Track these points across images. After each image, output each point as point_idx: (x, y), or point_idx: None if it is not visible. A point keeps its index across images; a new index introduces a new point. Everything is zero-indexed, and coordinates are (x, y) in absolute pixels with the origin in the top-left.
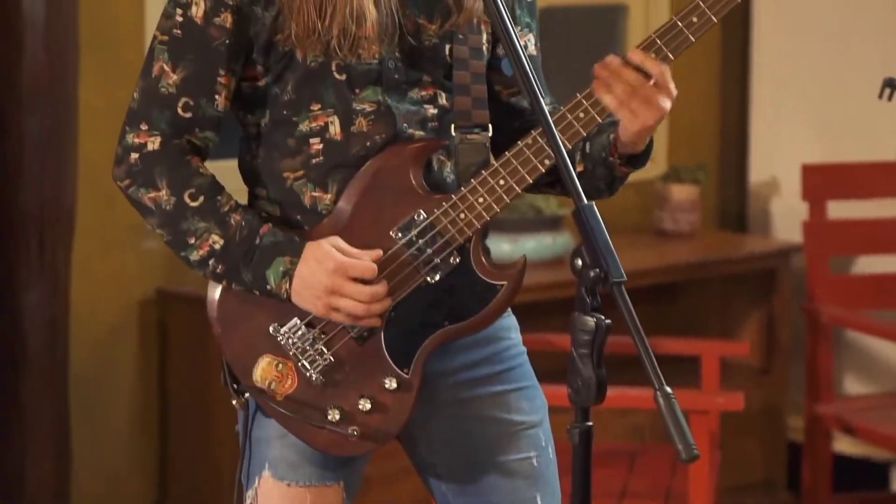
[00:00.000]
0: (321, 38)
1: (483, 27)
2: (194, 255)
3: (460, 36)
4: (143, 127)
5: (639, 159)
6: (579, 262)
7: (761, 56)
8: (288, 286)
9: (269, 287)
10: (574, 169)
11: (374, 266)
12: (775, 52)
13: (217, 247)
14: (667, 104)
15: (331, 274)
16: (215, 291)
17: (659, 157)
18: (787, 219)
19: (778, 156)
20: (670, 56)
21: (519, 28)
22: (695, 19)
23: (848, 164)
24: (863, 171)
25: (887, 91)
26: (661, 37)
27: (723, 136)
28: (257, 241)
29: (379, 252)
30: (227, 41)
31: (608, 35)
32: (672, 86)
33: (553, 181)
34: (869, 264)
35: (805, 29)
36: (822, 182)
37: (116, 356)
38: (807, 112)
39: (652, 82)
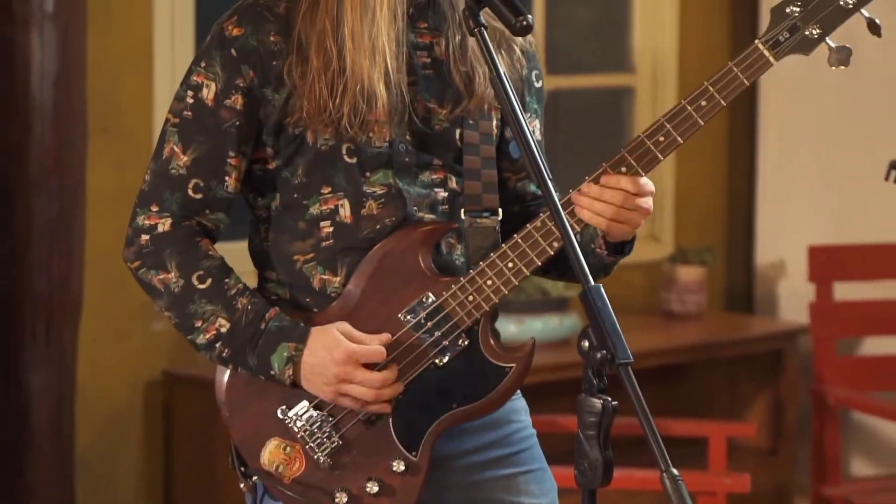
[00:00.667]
0: (332, 117)
1: (493, 113)
2: (201, 339)
3: (471, 121)
4: (154, 208)
5: (625, 247)
6: (586, 343)
7: (768, 137)
8: (291, 373)
9: (272, 373)
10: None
11: (383, 350)
12: (782, 134)
13: (223, 330)
14: (650, 203)
15: (340, 362)
16: (224, 375)
17: (666, 238)
18: (794, 300)
19: (785, 237)
20: (679, 139)
21: (528, 114)
22: (703, 103)
23: (854, 245)
24: (869, 252)
25: (893, 173)
26: (670, 120)
27: (730, 218)
28: (263, 326)
29: (387, 335)
30: (238, 123)
31: (616, 117)
32: (650, 185)
33: (551, 267)
34: (876, 346)
35: (812, 111)
36: (828, 263)
37: (123, 438)
38: (814, 194)
39: (631, 198)
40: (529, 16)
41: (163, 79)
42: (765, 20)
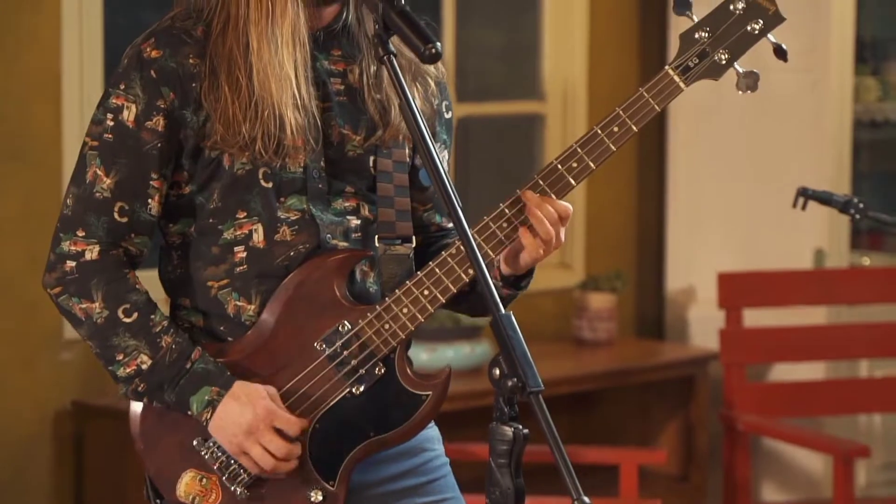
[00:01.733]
0: (245, 141)
1: (406, 142)
2: (121, 371)
3: (384, 150)
4: (80, 234)
5: (520, 281)
6: (497, 371)
7: (677, 165)
8: (209, 416)
9: (189, 412)
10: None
11: (302, 424)
12: (691, 161)
13: (144, 367)
14: (563, 234)
15: (259, 416)
16: (137, 406)
17: (577, 265)
18: (704, 326)
19: (694, 264)
20: (591, 166)
21: (437, 144)
22: (616, 129)
23: (763, 272)
24: (778, 279)
25: (801, 200)
26: (583, 146)
27: (640, 245)
28: (187, 366)
29: (307, 421)
30: (160, 144)
31: (526, 144)
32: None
33: (463, 302)
34: (785, 372)
35: (720, 138)
36: (737, 290)
37: (31, 468)
38: (723, 220)
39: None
40: (438, 43)
41: (71, 106)
42: (673, 48)
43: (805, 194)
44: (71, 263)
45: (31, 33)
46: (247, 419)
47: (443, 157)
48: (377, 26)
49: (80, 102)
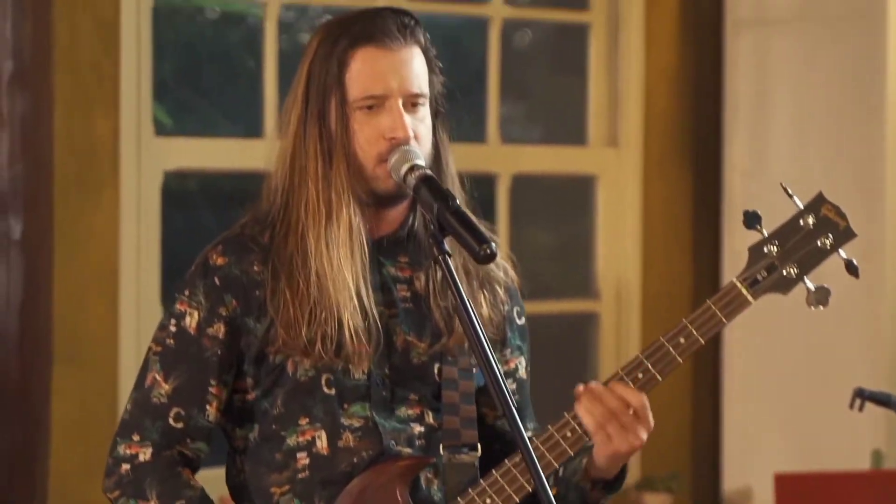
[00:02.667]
0: (305, 342)
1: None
2: None
3: (450, 357)
4: (135, 437)
5: (612, 486)
6: None
7: (733, 365)
8: None
9: None
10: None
11: None
12: (747, 361)
13: None
14: (643, 435)
15: None
16: None
17: (632, 465)
18: None
19: (750, 465)
20: (658, 377)
21: (509, 350)
22: (682, 340)
23: (821, 473)
24: (835, 480)
25: (858, 401)
26: (649, 357)
27: (695, 445)
28: None
29: None
30: (220, 352)
31: (580, 343)
32: (650, 417)
33: None
34: None
35: (776, 337)
36: (795, 491)
37: None
38: (779, 421)
39: (631, 412)
40: (493, 243)
41: (128, 307)
42: (726, 248)
43: (862, 395)
44: (126, 466)
45: (90, 233)
46: None
47: (517, 364)
48: (432, 227)
49: (137, 303)
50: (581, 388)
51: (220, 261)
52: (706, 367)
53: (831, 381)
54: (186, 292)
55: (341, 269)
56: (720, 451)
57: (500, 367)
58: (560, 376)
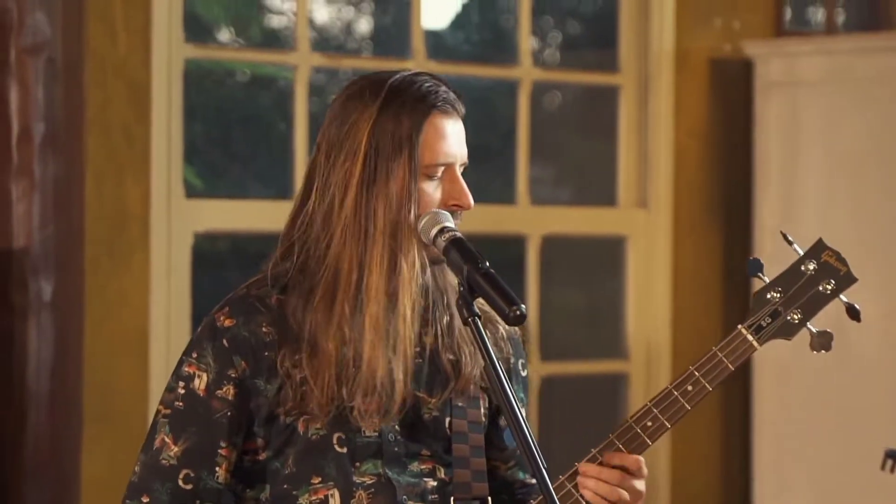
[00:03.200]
0: (337, 408)
1: (481, 399)
2: None
3: (459, 404)
4: (144, 500)
5: None
6: None
7: (762, 425)
8: None
9: None
10: None
11: None
12: (776, 421)
13: None
14: (642, 486)
15: None
16: None
17: None
18: None
19: None
20: (666, 424)
21: None
22: (690, 387)
23: None
24: None
25: (889, 462)
26: (657, 405)
27: (724, 502)
28: None
29: None
30: (230, 413)
31: (610, 404)
32: (644, 467)
33: None
34: None
35: (805, 398)
36: None
37: None
38: (810, 481)
39: (630, 473)
40: (523, 305)
41: (158, 367)
42: None
43: (892, 456)
44: None
45: (120, 294)
46: None
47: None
48: (462, 288)
49: (167, 364)
50: (580, 478)
51: (227, 322)
52: (736, 424)
53: (862, 442)
54: (194, 354)
55: (404, 328)
56: None
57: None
58: (590, 437)
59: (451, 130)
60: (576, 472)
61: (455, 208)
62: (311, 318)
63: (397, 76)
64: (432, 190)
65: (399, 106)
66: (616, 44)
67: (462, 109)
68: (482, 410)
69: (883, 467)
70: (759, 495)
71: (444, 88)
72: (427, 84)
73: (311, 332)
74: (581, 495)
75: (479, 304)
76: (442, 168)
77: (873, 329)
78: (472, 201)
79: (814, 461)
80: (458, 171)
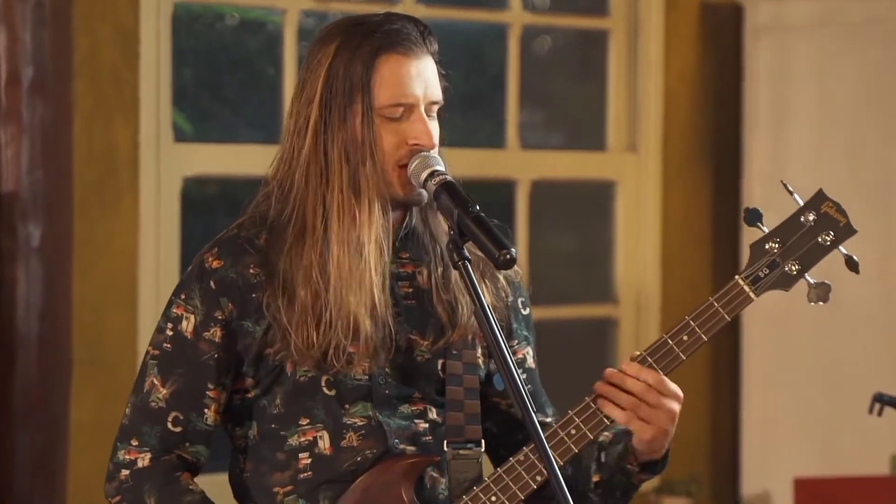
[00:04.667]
0: (316, 351)
1: (478, 341)
2: None
3: (454, 351)
4: (134, 443)
5: (657, 465)
6: None
7: (751, 371)
8: None
9: None
10: (590, 482)
11: None
12: (765, 367)
13: None
14: (674, 405)
15: None
16: None
17: None
18: None
19: (770, 469)
20: (662, 374)
21: (516, 341)
22: (685, 337)
23: (840, 477)
24: (855, 485)
25: (877, 406)
26: (652, 354)
27: (714, 450)
28: None
29: None
30: (217, 355)
31: (599, 348)
32: (674, 387)
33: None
34: None
35: (794, 343)
36: (814, 496)
37: None
38: (798, 426)
39: (654, 389)
40: (513, 249)
41: (147, 311)
42: (744, 253)
43: (881, 400)
44: (125, 472)
45: (109, 240)
46: None
47: (525, 355)
48: (452, 232)
49: (156, 308)
50: (600, 385)
51: (215, 264)
52: (725, 372)
53: (850, 386)
54: (182, 296)
55: (364, 274)
56: (739, 455)
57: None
58: (579, 381)
59: (409, 70)
60: (569, 420)
61: (416, 148)
62: (284, 262)
63: (359, 18)
64: (396, 131)
65: (354, 48)
66: None
67: (430, 47)
68: (479, 351)
69: (871, 411)
70: (747, 441)
71: (403, 26)
72: (384, 24)
73: (286, 277)
74: (605, 415)
75: (476, 251)
76: (402, 108)
77: (865, 275)
78: (434, 141)
79: (802, 407)
80: (422, 110)
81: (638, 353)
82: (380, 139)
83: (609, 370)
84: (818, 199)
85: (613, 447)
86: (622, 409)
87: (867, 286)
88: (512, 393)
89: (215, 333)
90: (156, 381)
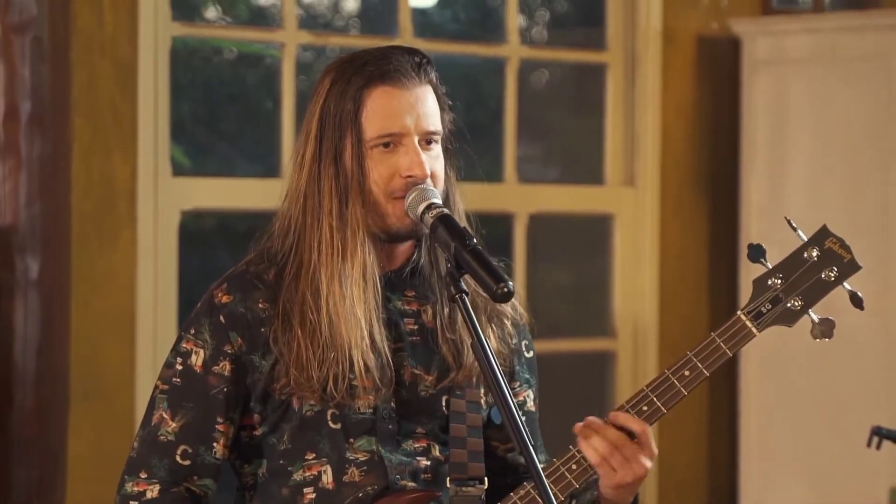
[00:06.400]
0: (315, 384)
1: (482, 382)
2: None
3: (458, 391)
4: (143, 475)
5: None
6: None
7: (749, 405)
8: None
9: None
10: None
11: None
12: (763, 401)
13: None
14: (647, 463)
15: None
16: None
17: (651, 501)
18: None
19: (768, 501)
20: (662, 409)
21: (518, 383)
22: (687, 373)
23: None
24: None
25: (875, 439)
26: (654, 390)
27: (712, 485)
28: None
29: None
30: (226, 389)
31: (597, 382)
32: (653, 445)
33: None
34: None
35: (791, 377)
36: None
37: None
38: (796, 459)
39: (634, 441)
40: (510, 282)
41: (145, 345)
42: (743, 288)
43: (879, 433)
44: None
45: (107, 273)
46: None
47: (525, 397)
48: (449, 265)
49: (154, 342)
50: (579, 425)
51: (225, 299)
52: (723, 404)
53: (848, 420)
54: (192, 331)
55: (354, 307)
56: (737, 487)
57: (517, 406)
58: (577, 415)
59: (399, 101)
60: (571, 456)
61: (411, 180)
62: (285, 297)
63: (355, 53)
64: (388, 163)
65: (345, 83)
66: (603, 22)
67: (426, 76)
68: (481, 391)
69: (869, 444)
70: (745, 475)
71: (395, 59)
72: (377, 58)
73: (286, 311)
74: (584, 456)
75: (485, 299)
76: (390, 139)
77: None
78: (426, 172)
79: (801, 440)
80: (415, 141)
81: (641, 390)
82: (370, 172)
83: (592, 418)
84: (822, 235)
85: (583, 495)
86: (595, 450)
87: (865, 320)
88: (510, 426)
89: (225, 367)
90: (165, 415)
